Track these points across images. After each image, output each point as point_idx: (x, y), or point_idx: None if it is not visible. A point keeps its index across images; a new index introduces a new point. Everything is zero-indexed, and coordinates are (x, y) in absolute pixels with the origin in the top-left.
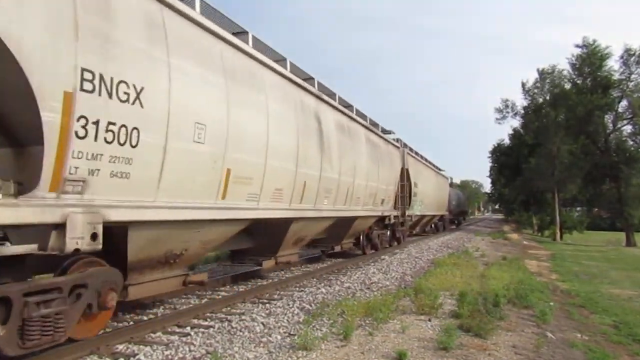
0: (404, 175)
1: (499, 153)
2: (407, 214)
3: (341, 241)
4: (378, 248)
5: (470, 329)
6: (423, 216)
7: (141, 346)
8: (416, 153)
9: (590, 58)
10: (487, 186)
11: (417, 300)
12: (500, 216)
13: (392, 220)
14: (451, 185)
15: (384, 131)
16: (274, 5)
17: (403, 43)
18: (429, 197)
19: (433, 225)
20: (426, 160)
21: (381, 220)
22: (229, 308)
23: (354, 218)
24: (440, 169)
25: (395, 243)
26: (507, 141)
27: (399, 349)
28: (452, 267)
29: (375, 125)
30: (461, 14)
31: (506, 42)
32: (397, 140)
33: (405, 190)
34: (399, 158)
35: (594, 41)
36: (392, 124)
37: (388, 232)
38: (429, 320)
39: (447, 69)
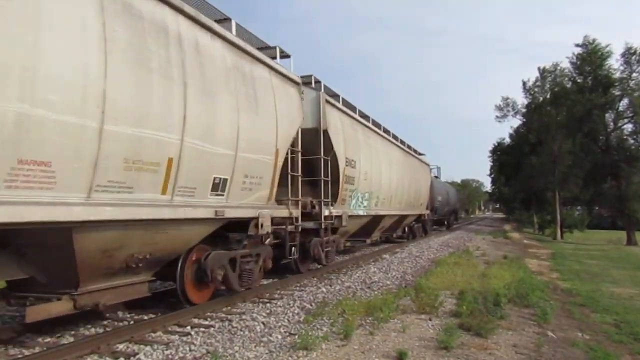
0: (321, 141)
1: (499, 152)
2: (334, 213)
3: (76, 287)
4: (234, 286)
5: (471, 328)
6: (380, 217)
7: (141, 345)
8: (360, 114)
9: (591, 57)
10: (487, 185)
11: (418, 300)
12: (501, 215)
13: (266, 229)
14: (438, 177)
15: (253, 42)
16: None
17: (405, 44)
18: (391, 188)
19: (407, 229)
20: (385, 130)
21: (241, 227)
22: (229, 307)
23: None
24: (417, 153)
25: (316, 265)
26: (507, 140)
27: (400, 349)
28: (453, 266)
29: (225, 21)
30: (464, 14)
31: (508, 42)
32: (311, 80)
33: (323, 171)
34: (298, 104)
35: (594, 40)
36: (392, 122)
37: (273, 252)
38: (430, 319)
39: (446, 70)
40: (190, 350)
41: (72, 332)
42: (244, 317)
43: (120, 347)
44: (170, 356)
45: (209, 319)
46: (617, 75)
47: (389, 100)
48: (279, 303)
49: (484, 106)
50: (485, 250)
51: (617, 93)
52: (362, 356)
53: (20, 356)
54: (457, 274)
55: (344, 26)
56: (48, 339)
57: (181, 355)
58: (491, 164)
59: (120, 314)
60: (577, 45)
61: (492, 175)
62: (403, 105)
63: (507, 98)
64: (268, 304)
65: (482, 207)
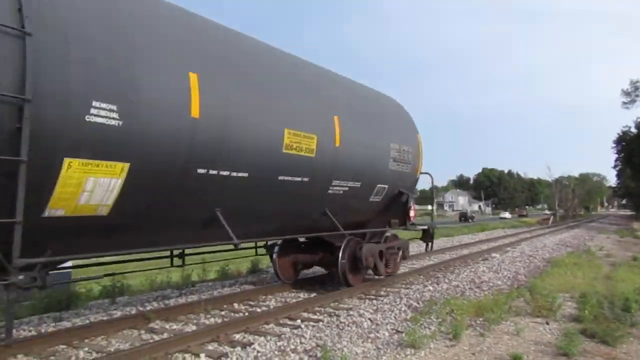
0: None
1: (625, 142)
2: None
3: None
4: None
5: (595, 334)
6: None
7: (256, 336)
8: None
9: None
10: (611, 179)
11: (533, 302)
12: (628, 212)
13: None
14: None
15: None
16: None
17: (503, 30)
18: None
19: None
20: None
21: None
22: (336, 303)
23: None
24: None
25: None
26: (633, 129)
27: (514, 352)
28: (571, 267)
29: None
30: None
31: (626, 19)
32: None
33: None
34: None
35: None
36: (473, 118)
37: None
38: (547, 323)
39: (553, 55)
40: (300, 342)
41: (195, 322)
42: (351, 312)
43: (237, 336)
44: (282, 347)
45: (317, 314)
46: None
47: (487, 92)
48: (385, 300)
49: (605, 89)
50: (610, 251)
51: None
52: (473, 357)
53: (151, 341)
54: (576, 276)
55: (424, 16)
56: (175, 327)
57: (292, 347)
58: (616, 155)
59: (235, 305)
60: None
61: (618, 168)
62: (507, 99)
63: (637, 81)
64: (374, 301)
65: (606, 204)
